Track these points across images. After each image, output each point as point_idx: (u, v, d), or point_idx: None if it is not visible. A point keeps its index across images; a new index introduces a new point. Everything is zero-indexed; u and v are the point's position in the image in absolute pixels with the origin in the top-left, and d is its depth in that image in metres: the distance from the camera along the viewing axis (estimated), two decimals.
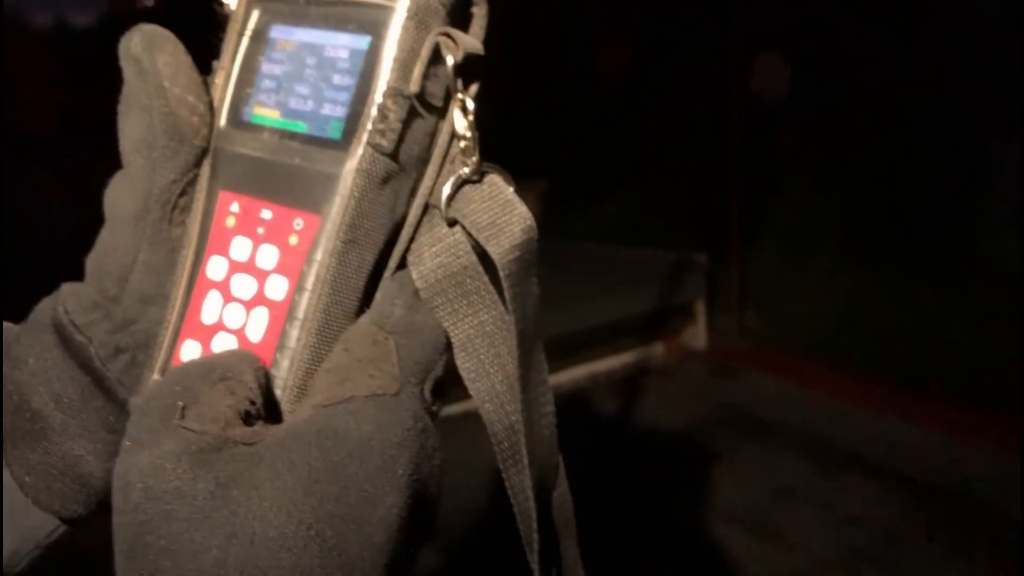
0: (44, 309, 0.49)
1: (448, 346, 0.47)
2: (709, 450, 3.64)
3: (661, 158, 6.41)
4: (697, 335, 4.80)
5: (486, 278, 0.49)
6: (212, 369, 0.41)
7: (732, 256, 5.00)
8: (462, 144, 0.47)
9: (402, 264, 0.48)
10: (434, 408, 0.45)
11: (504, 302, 0.48)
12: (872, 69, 5.93)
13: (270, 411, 0.43)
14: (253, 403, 0.41)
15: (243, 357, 0.43)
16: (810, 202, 5.50)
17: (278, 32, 0.49)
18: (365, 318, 0.45)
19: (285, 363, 0.44)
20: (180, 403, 0.39)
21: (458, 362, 0.49)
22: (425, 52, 0.45)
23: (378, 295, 0.47)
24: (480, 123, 0.47)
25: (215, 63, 0.50)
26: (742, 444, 3.71)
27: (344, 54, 0.46)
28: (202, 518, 0.36)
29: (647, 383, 4.39)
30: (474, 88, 0.47)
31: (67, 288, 0.49)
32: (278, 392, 0.44)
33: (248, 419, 0.40)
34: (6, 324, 0.51)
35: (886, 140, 5.38)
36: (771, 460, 3.59)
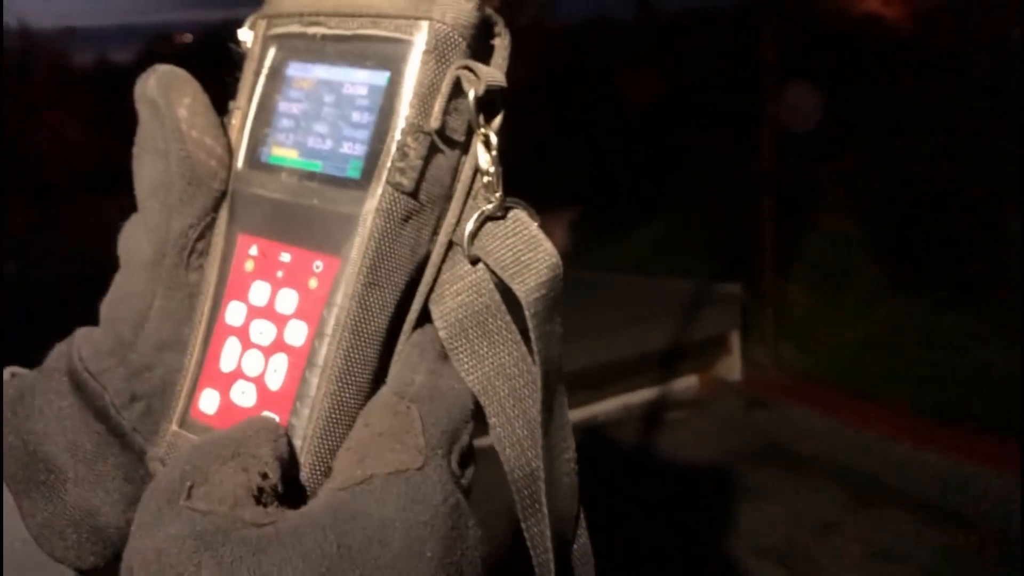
0: (58, 355, 0.48)
1: (474, 413, 0.45)
2: (744, 483, 3.59)
3: (694, 187, 6.39)
4: (732, 367, 4.75)
5: (508, 317, 0.47)
6: (225, 445, 0.39)
7: (767, 287, 4.96)
8: (485, 179, 0.46)
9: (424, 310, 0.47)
10: (463, 480, 0.42)
11: (526, 343, 0.47)
12: (908, 98, 5.89)
13: (289, 483, 0.41)
14: (266, 477, 0.39)
15: (261, 428, 0.41)
16: (845, 232, 5.45)
17: (295, 69, 0.48)
18: (386, 388, 0.43)
19: (305, 412, 0.43)
20: (188, 482, 0.37)
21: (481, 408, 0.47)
22: (445, 87, 0.44)
23: (397, 362, 0.45)
24: (504, 156, 0.46)
25: (232, 103, 0.49)
26: (778, 477, 3.66)
27: (362, 91, 0.45)
28: None
29: (681, 416, 4.35)
30: (497, 121, 0.45)
31: (81, 333, 0.48)
32: (297, 443, 0.42)
33: (261, 497, 0.38)
34: (21, 371, 0.50)
35: (921, 170, 5.33)
36: (807, 494, 3.54)
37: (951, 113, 5.28)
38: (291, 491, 0.41)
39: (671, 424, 4.25)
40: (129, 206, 0.47)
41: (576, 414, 4.15)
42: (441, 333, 0.46)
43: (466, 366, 0.46)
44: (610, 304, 4.76)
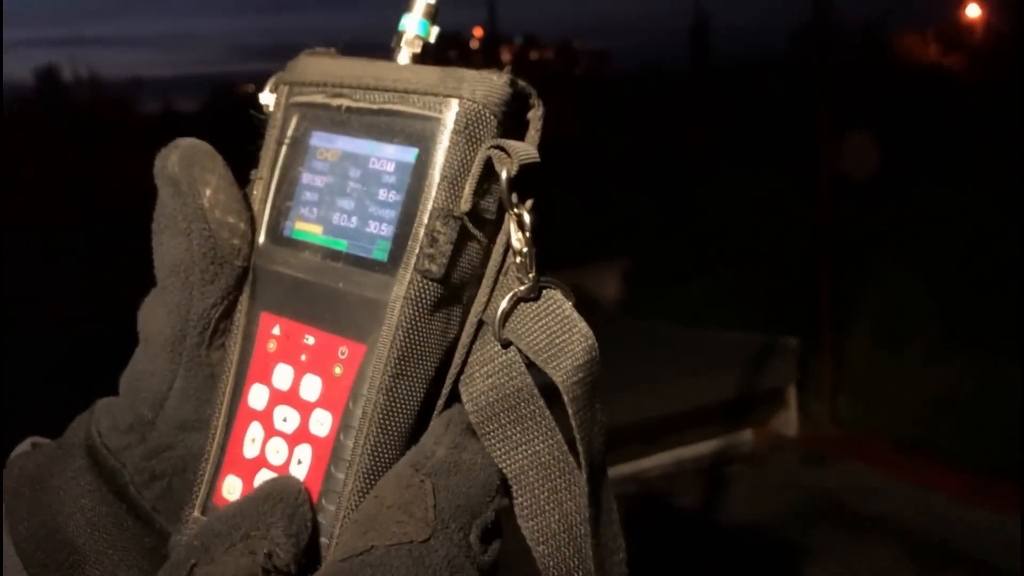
0: (78, 428, 0.48)
1: (502, 487, 0.43)
2: (801, 543, 3.50)
3: (751, 238, 6.34)
4: (788, 422, 4.66)
5: (542, 402, 0.44)
6: (236, 525, 0.38)
7: (825, 340, 4.87)
8: (517, 260, 0.44)
9: (453, 391, 0.45)
10: (485, 557, 0.40)
11: (560, 430, 0.44)
12: (970, 148, 5.80)
13: (311, 559, 0.40)
14: (275, 558, 0.38)
15: (279, 500, 0.40)
16: (905, 285, 5.36)
17: (319, 140, 0.46)
18: (403, 459, 0.42)
19: (331, 509, 0.41)
20: (192, 560, 0.37)
21: (512, 497, 0.45)
22: (476, 168, 0.42)
23: (425, 434, 0.44)
24: (537, 236, 0.44)
25: (253, 172, 0.48)
26: (836, 537, 3.56)
27: (389, 167, 0.44)
28: None
29: (736, 471, 4.27)
30: (530, 200, 0.44)
31: (101, 406, 0.47)
32: (324, 540, 0.41)
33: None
34: (42, 441, 0.49)
35: (984, 221, 5.23)
36: (867, 555, 3.43)
37: (1016, 164, 5.18)
38: (312, 559, 0.40)
39: (725, 479, 4.18)
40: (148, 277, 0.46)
41: (628, 467, 4.13)
42: (471, 417, 0.44)
43: (497, 453, 0.44)
44: (664, 355, 4.72)
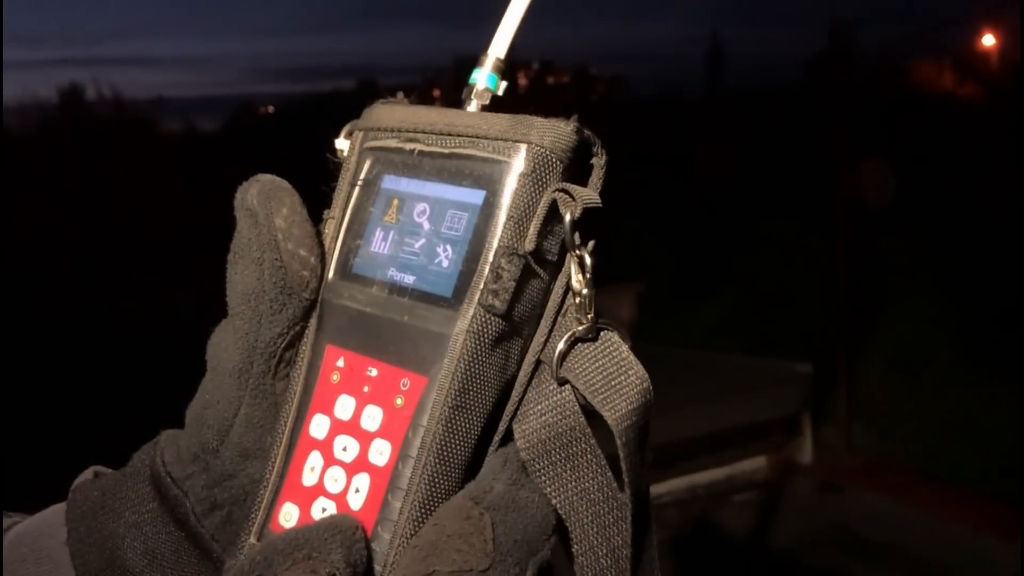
0: (143, 457, 0.49)
1: (556, 528, 0.43)
2: (814, 571, 3.48)
3: (765, 263, 6.33)
4: (802, 449, 4.63)
5: (594, 441, 0.46)
6: (299, 546, 0.39)
7: (839, 367, 4.85)
8: (577, 300, 0.45)
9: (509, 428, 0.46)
10: None
11: (611, 469, 0.45)
12: (986, 174, 5.78)
13: None
14: None
15: (338, 531, 0.40)
16: (920, 312, 5.34)
17: (390, 183, 0.48)
18: (462, 492, 0.42)
19: (386, 536, 0.42)
20: (256, 573, 0.38)
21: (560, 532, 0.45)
22: (541, 209, 0.44)
23: (482, 469, 0.44)
24: (596, 278, 0.45)
25: (326, 212, 0.50)
26: (849, 565, 3.53)
27: (457, 208, 0.45)
28: None
29: (749, 498, 4.24)
30: (591, 243, 0.45)
31: (166, 436, 0.48)
32: (378, 568, 0.41)
33: None
34: (105, 470, 0.50)
35: (999, 248, 5.21)
36: None
37: None
38: None
39: (738, 506, 4.15)
40: (219, 302, 0.47)
41: None
42: (522, 454, 0.45)
43: (548, 489, 0.45)
44: (677, 380, 4.69)
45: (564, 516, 0.45)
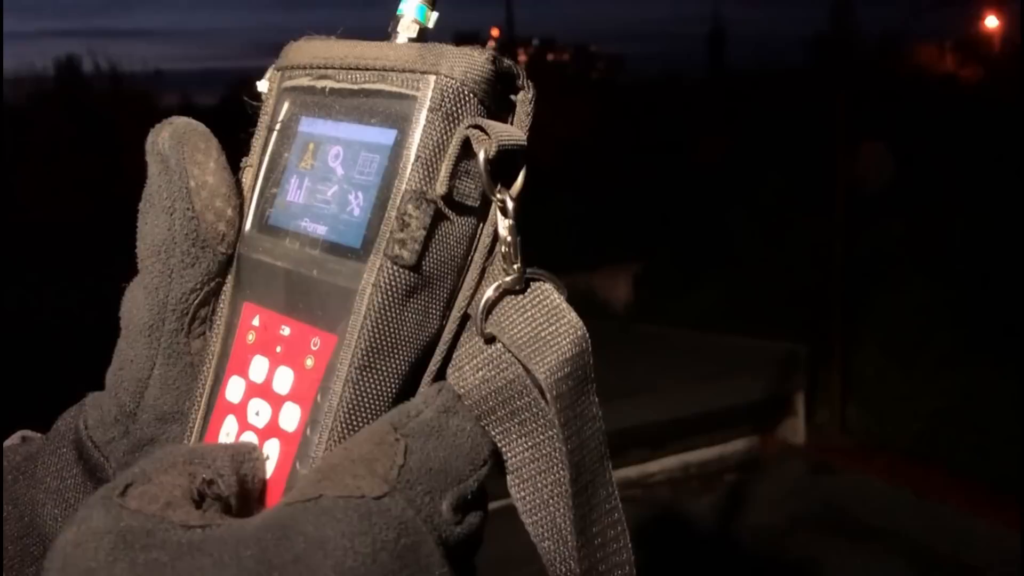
0: (68, 420, 0.47)
1: (490, 460, 0.40)
2: (804, 551, 3.49)
3: (762, 244, 6.33)
4: (796, 430, 4.65)
5: (536, 393, 0.42)
6: (180, 453, 0.37)
7: (834, 349, 4.86)
8: (503, 249, 0.41)
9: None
10: (457, 528, 0.38)
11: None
12: (985, 158, 5.77)
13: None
14: (211, 484, 0.36)
15: (230, 449, 0.38)
16: (917, 295, 5.34)
17: (307, 125, 0.44)
18: (384, 417, 0.39)
19: None
20: (128, 481, 0.35)
21: (511, 491, 0.43)
22: (452, 148, 0.40)
23: (415, 396, 0.41)
24: (535, 218, 0.41)
25: (244, 160, 0.46)
26: (839, 546, 3.54)
27: (368, 151, 0.41)
28: None
29: (742, 477, 4.26)
30: (517, 185, 0.41)
31: (91, 399, 0.46)
32: None
33: (202, 503, 0.35)
34: (32, 435, 0.48)
35: (997, 232, 5.20)
36: (872, 566, 3.42)
37: None
38: None
39: (730, 486, 4.16)
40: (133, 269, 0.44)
41: (633, 471, 4.13)
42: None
43: (498, 446, 0.42)
44: (671, 360, 4.70)
45: (515, 474, 0.42)
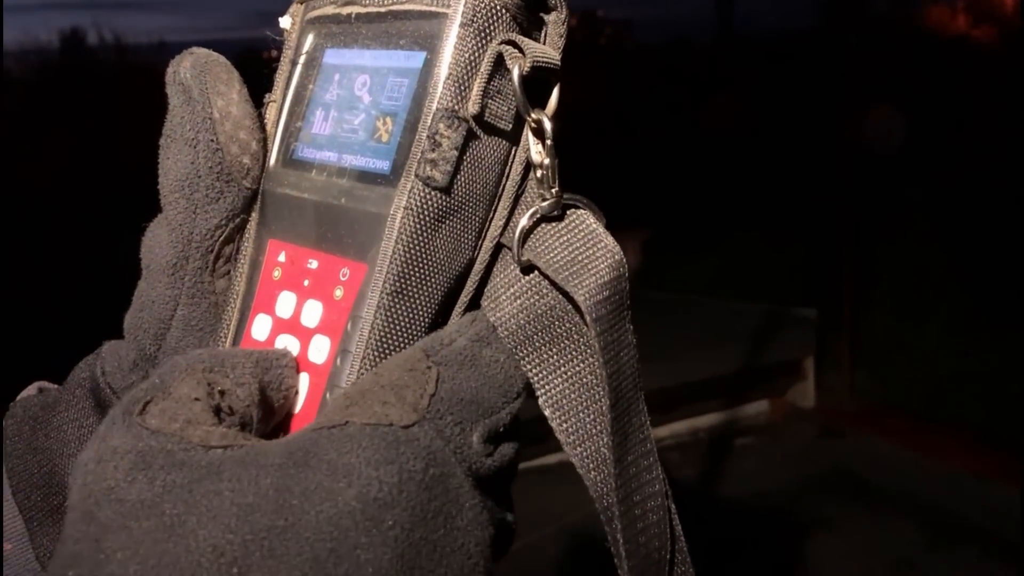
0: (83, 369, 0.46)
1: (523, 393, 0.40)
2: (816, 515, 3.49)
3: (770, 208, 6.30)
4: (805, 394, 4.64)
5: (577, 318, 0.41)
6: (204, 360, 0.36)
7: (843, 312, 4.84)
8: (538, 173, 0.40)
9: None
10: (488, 460, 0.37)
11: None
12: (996, 120, 5.72)
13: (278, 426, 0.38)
14: (233, 396, 0.35)
15: (258, 354, 0.37)
16: (926, 257, 5.31)
17: (331, 56, 0.43)
18: (418, 344, 0.38)
19: None
20: (148, 396, 0.34)
21: (553, 424, 0.42)
22: (485, 65, 0.38)
23: (448, 324, 0.40)
24: (562, 148, 0.39)
25: (267, 95, 0.45)
26: (851, 510, 3.55)
27: (397, 76, 0.40)
28: (122, 527, 0.31)
29: (751, 442, 4.26)
30: (551, 106, 0.40)
31: (107, 347, 0.45)
32: None
33: (223, 418, 0.35)
34: (49, 386, 0.47)
35: (1007, 195, 5.17)
36: (882, 528, 3.42)
37: None
38: None
39: (740, 450, 4.17)
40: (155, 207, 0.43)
41: None
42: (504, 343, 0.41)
43: (535, 378, 0.41)
44: (681, 325, 4.69)
45: (556, 406, 0.41)
